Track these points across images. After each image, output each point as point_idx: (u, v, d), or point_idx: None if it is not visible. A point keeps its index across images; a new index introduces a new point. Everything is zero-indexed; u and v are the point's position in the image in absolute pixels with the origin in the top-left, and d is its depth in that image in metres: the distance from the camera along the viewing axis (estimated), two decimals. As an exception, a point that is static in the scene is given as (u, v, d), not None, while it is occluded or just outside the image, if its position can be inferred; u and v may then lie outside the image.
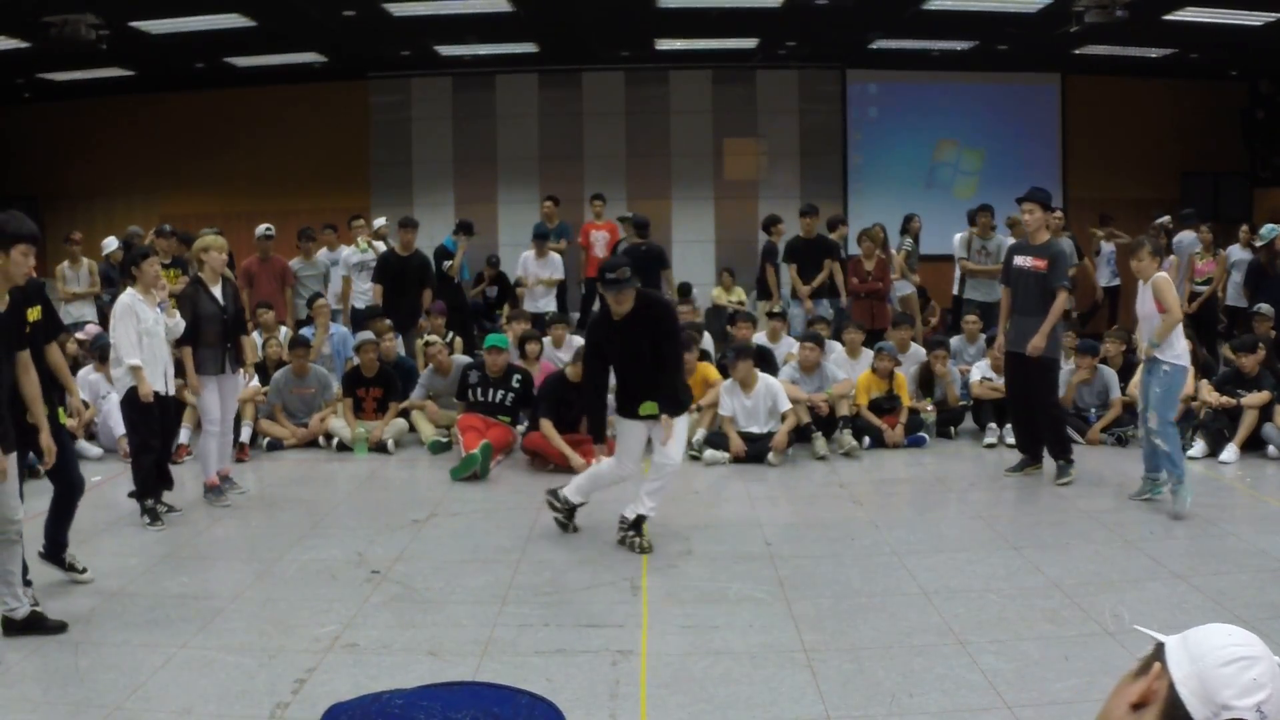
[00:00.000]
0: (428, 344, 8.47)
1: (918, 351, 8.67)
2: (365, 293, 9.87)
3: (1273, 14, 10.37)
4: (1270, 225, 9.96)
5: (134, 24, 10.37)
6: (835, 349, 8.48)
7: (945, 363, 8.27)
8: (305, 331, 9.18)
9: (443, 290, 9.79)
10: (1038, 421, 6.79)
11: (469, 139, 14.10)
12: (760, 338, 8.77)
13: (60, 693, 3.73)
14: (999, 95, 14.10)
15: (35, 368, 4.38)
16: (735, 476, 7.10)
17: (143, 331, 5.77)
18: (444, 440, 7.82)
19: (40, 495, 4.93)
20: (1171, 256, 10.48)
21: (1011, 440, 7.40)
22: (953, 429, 8.20)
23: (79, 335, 8.70)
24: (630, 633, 4.26)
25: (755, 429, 7.49)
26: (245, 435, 7.66)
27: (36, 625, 4.19)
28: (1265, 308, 8.75)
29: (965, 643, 4.07)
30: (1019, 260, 6.77)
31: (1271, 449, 7.29)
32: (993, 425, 7.87)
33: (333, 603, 4.61)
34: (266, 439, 7.92)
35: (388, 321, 8.79)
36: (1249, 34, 11.16)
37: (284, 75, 13.36)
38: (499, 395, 7.76)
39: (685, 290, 11.31)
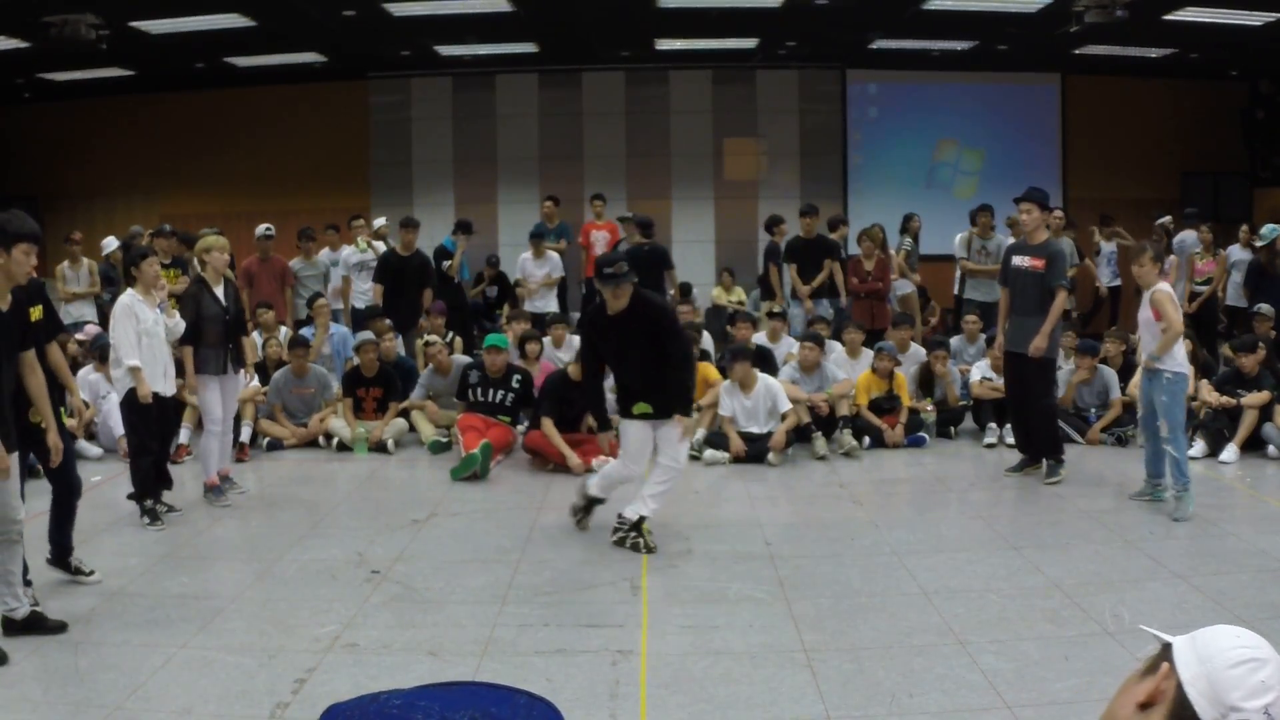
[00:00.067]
0: (428, 344, 8.47)
1: (918, 351, 8.67)
2: (365, 293, 9.87)
3: (1273, 14, 10.37)
4: (1271, 225, 9.95)
5: (134, 24, 10.38)
6: (835, 349, 8.48)
7: (945, 363, 8.27)
8: (305, 331, 9.18)
9: (443, 290, 9.78)
10: (1031, 419, 6.81)
11: (469, 139, 14.10)
12: (760, 338, 8.78)
13: (60, 693, 3.73)
14: (999, 95, 14.10)
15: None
16: (735, 476, 7.10)
17: (142, 332, 5.76)
18: (444, 440, 7.82)
19: (41, 495, 4.93)
20: (1171, 256, 10.49)
21: (1011, 440, 7.41)
22: (953, 429, 8.20)
23: (79, 335, 8.70)
24: (630, 633, 4.26)
25: (755, 429, 7.49)
26: (245, 435, 7.66)
27: (36, 625, 4.19)
28: (1265, 308, 8.75)
29: (965, 643, 4.07)
30: (1017, 260, 6.77)
31: (1271, 449, 7.28)
32: (993, 425, 7.87)
33: (333, 603, 4.61)
34: (266, 439, 7.92)
35: (388, 321, 8.79)
36: (1249, 34, 11.17)
37: (284, 75, 13.37)
38: (499, 395, 7.76)
39: (685, 290, 11.31)
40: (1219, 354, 9.22)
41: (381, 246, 10.11)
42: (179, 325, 6.04)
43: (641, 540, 5.34)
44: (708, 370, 8.07)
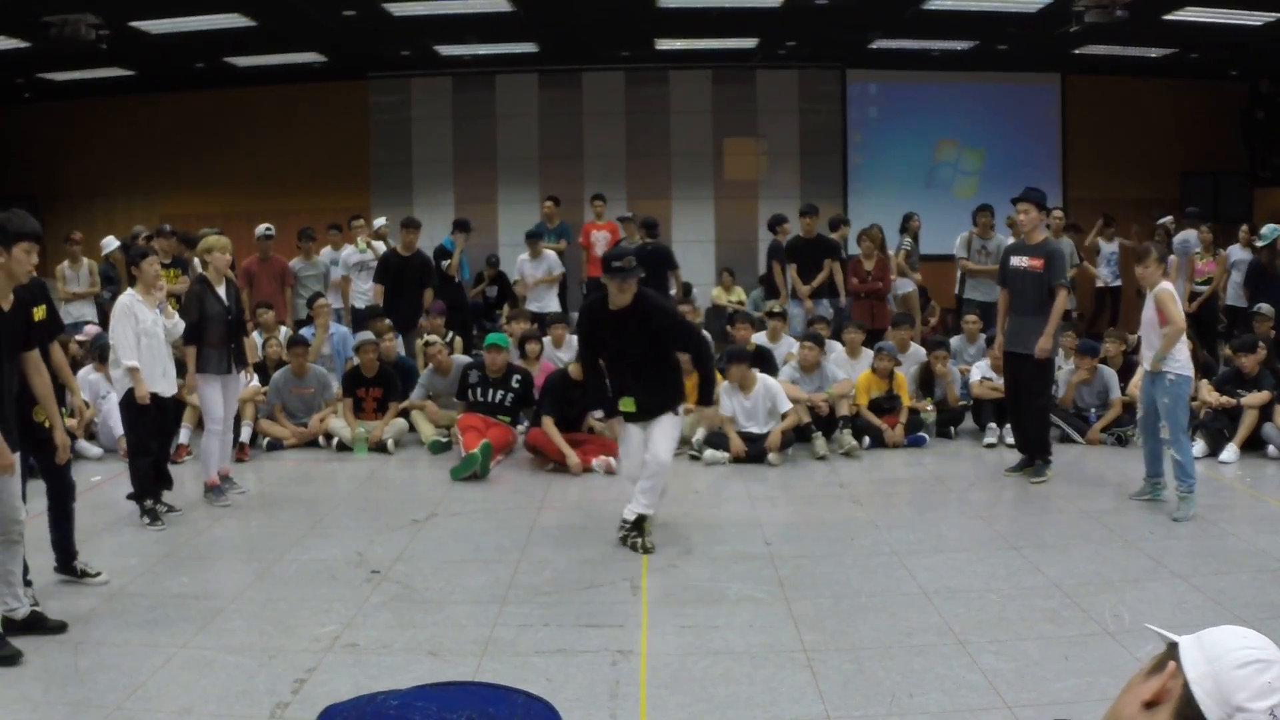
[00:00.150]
0: (428, 344, 8.47)
1: (918, 351, 8.67)
2: (365, 293, 9.87)
3: (1273, 14, 10.36)
4: (1271, 225, 9.95)
5: (134, 24, 10.37)
6: (835, 349, 8.48)
7: (945, 363, 8.27)
8: (305, 331, 9.19)
9: (443, 290, 9.78)
10: (1024, 418, 6.82)
11: (469, 139, 14.10)
12: (760, 338, 8.78)
13: (60, 693, 3.73)
14: (999, 95, 14.09)
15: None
16: (735, 476, 7.10)
17: (141, 332, 5.76)
18: (444, 440, 7.82)
19: (41, 496, 4.92)
20: (1171, 256, 10.48)
21: (1011, 440, 7.41)
22: (953, 429, 8.20)
23: (79, 336, 8.71)
24: (630, 633, 4.26)
25: (755, 429, 7.49)
26: (245, 435, 7.66)
27: (36, 625, 4.19)
28: (1265, 308, 8.75)
29: (965, 643, 4.07)
30: (1015, 260, 6.77)
31: (1271, 449, 7.29)
32: (993, 425, 7.87)
33: (333, 603, 4.61)
34: (266, 439, 7.92)
35: (388, 321, 8.79)
36: (1249, 34, 11.16)
37: (284, 75, 13.36)
38: (499, 395, 7.77)
39: (685, 290, 11.31)
40: (1219, 354, 9.22)
41: (381, 247, 10.11)
42: (178, 326, 6.04)
43: (640, 540, 5.34)
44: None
